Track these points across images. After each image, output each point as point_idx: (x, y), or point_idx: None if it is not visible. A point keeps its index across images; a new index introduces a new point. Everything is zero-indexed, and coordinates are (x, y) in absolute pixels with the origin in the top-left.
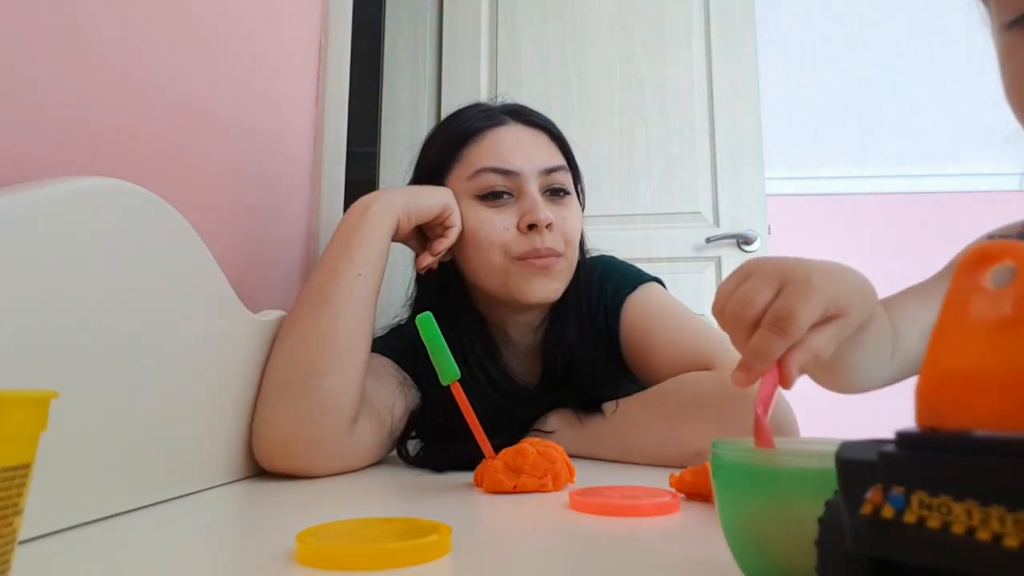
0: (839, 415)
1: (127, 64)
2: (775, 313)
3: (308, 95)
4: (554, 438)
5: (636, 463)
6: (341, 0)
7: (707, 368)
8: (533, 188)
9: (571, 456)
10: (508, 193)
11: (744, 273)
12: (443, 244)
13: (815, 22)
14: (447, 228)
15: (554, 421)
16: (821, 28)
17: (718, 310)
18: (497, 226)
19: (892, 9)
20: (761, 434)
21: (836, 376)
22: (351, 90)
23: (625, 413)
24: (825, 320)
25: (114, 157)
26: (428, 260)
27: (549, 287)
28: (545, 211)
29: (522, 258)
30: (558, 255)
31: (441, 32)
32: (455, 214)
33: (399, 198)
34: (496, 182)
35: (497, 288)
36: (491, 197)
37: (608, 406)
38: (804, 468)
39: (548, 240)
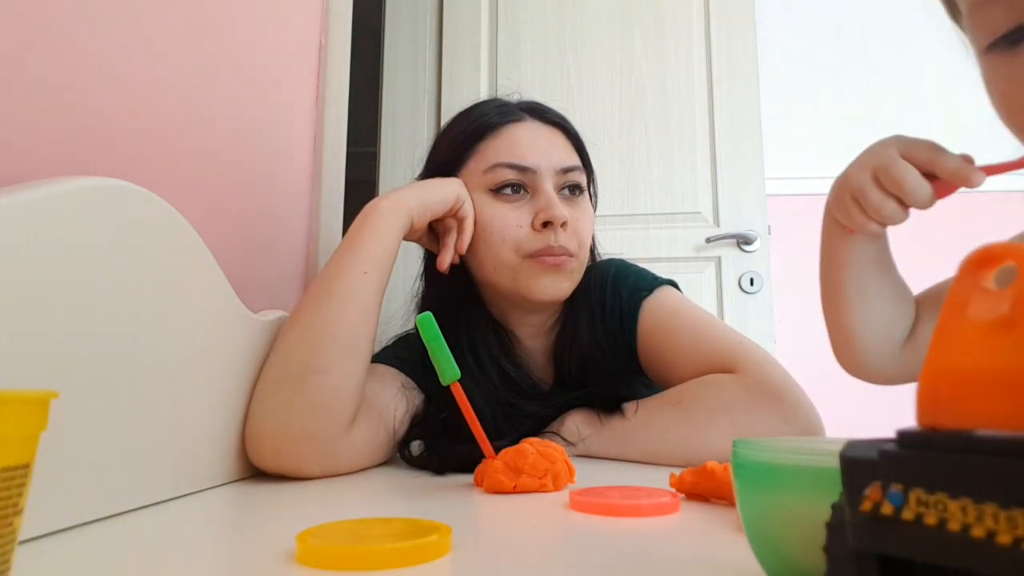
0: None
1: (127, 64)
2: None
3: (308, 95)
4: (574, 437)
5: (659, 464)
6: (341, 0)
7: (728, 370)
8: (549, 186)
9: (591, 457)
10: (524, 188)
11: (862, 173)
12: (464, 239)
13: (815, 22)
14: (461, 220)
15: (573, 421)
16: (821, 28)
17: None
18: (510, 222)
19: (892, 9)
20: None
21: (850, 332)
22: (351, 90)
23: (648, 416)
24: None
25: (114, 157)
26: (450, 257)
27: (559, 285)
28: (561, 208)
29: (534, 255)
30: (571, 255)
31: (441, 32)
32: (468, 203)
33: (411, 196)
34: (512, 177)
35: (506, 284)
36: (506, 191)
37: (629, 407)
38: (825, 467)
39: (562, 239)
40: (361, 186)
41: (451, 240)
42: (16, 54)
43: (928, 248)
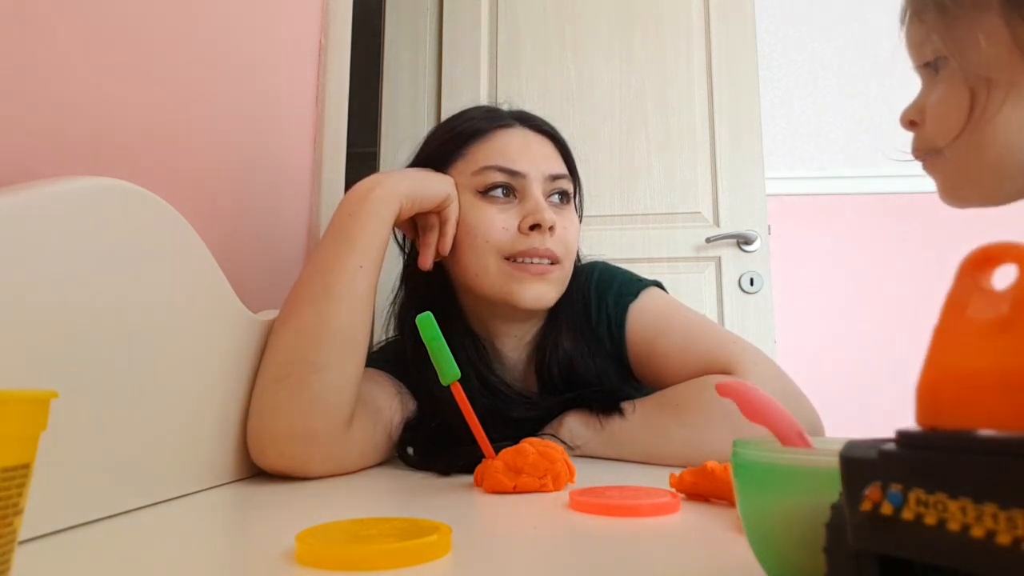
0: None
1: (127, 64)
2: None
3: (308, 95)
4: (574, 440)
5: (659, 465)
6: (341, 0)
7: (725, 371)
8: (537, 191)
9: (590, 458)
10: (512, 192)
11: None
12: (446, 241)
13: (815, 22)
14: (444, 220)
15: (571, 422)
16: (821, 27)
17: None
18: (496, 224)
19: (892, 8)
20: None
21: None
22: (351, 90)
23: (646, 419)
24: None
25: (114, 157)
26: (432, 257)
27: (543, 292)
28: (550, 213)
29: (517, 257)
30: (555, 259)
31: (441, 32)
32: (455, 204)
33: (404, 184)
34: (502, 180)
35: (488, 289)
36: (494, 193)
37: (627, 408)
38: (825, 467)
39: (549, 242)
40: None
41: (432, 239)
42: (16, 54)
43: (927, 248)
